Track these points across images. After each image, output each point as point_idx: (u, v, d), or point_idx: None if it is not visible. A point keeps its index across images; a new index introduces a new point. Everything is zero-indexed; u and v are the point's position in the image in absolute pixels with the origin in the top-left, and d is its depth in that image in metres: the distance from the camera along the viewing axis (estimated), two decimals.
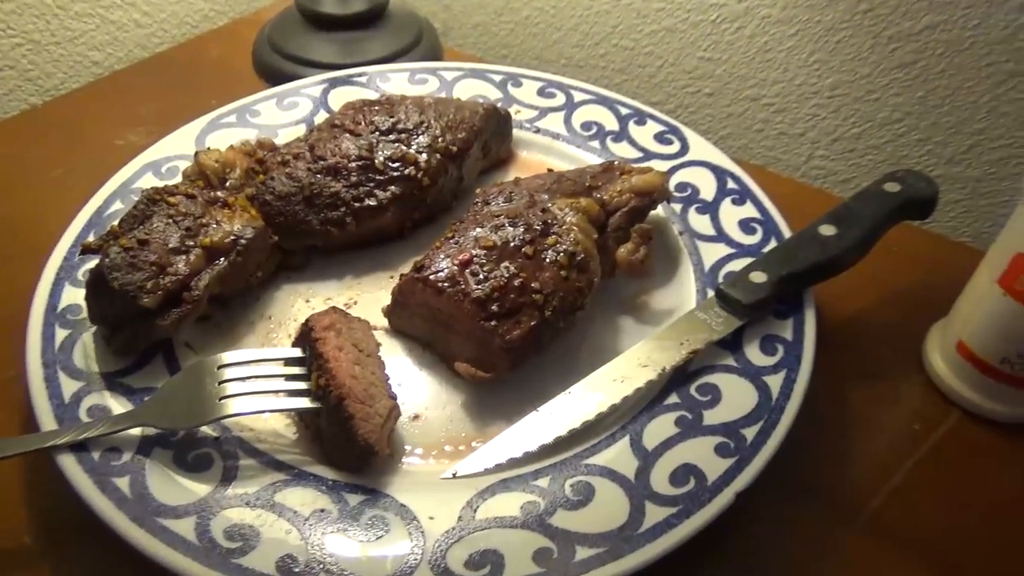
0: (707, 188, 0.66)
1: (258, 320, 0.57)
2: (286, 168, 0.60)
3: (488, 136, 0.68)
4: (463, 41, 1.08)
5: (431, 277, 0.52)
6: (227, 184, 0.59)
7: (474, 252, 0.53)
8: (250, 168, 0.60)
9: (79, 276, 0.56)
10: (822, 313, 0.58)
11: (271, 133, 0.69)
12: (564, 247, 0.54)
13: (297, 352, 0.50)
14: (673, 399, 0.51)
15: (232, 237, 0.54)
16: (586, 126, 0.73)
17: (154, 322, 0.50)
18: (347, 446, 0.46)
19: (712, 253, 0.61)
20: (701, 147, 0.70)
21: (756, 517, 0.49)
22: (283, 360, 0.50)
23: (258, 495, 0.45)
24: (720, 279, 0.59)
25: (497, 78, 0.77)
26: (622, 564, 0.42)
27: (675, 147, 0.70)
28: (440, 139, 0.64)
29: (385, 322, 0.57)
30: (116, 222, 0.54)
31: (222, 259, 0.54)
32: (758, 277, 0.55)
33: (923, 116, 0.79)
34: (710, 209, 0.65)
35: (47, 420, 0.47)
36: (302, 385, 0.49)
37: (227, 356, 0.49)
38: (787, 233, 0.61)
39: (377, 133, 0.63)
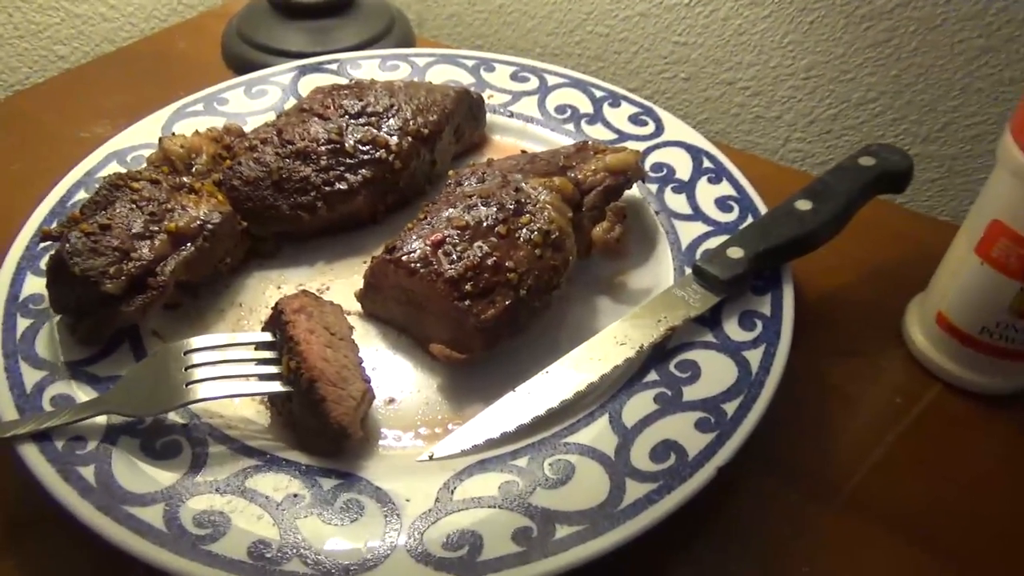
0: (683, 167, 0.66)
1: (228, 307, 0.56)
2: (254, 153, 0.59)
3: (460, 119, 0.67)
4: (438, 32, 1.07)
5: (403, 258, 0.51)
6: (193, 170, 0.58)
7: (447, 232, 0.52)
8: (217, 154, 0.59)
9: (41, 265, 0.54)
10: (801, 291, 0.57)
11: (239, 121, 0.68)
12: (538, 225, 0.53)
13: (267, 336, 0.49)
14: (652, 376, 0.50)
15: (199, 222, 0.53)
16: (560, 109, 0.72)
17: (118, 309, 0.49)
18: (320, 430, 0.45)
19: (689, 231, 0.61)
20: (676, 127, 0.69)
21: (737, 495, 0.49)
22: (253, 344, 0.49)
23: (228, 481, 0.44)
24: (698, 256, 0.58)
25: (470, 63, 0.77)
26: (603, 541, 0.41)
27: (650, 128, 0.70)
28: (411, 122, 0.63)
29: (359, 307, 0.56)
30: (77, 209, 0.53)
31: (188, 245, 0.52)
32: (735, 253, 0.55)
33: (897, 95, 0.79)
34: (686, 188, 0.64)
35: (8, 410, 0.46)
36: (273, 369, 0.47)
37: (195, 341, 0.48)
38: (764, 210, 0.61)
39: (347, 116, 0.62)
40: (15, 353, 0.49)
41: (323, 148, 0.60)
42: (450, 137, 0.66)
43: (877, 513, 0.49)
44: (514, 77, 0.75)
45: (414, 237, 0.53)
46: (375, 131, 0.61)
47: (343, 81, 0.71)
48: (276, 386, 0.47)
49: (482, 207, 0.54)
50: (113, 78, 0.83)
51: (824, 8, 0.79)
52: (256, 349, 0.49)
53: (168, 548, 0.40)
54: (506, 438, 0.47)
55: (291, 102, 0.70)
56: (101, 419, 0.45)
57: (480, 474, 0.45)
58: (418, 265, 0.51)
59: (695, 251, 0.59)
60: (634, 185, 0.62)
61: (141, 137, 0.66)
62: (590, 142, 0.63)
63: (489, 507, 0.43)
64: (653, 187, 0.65)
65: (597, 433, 0.47)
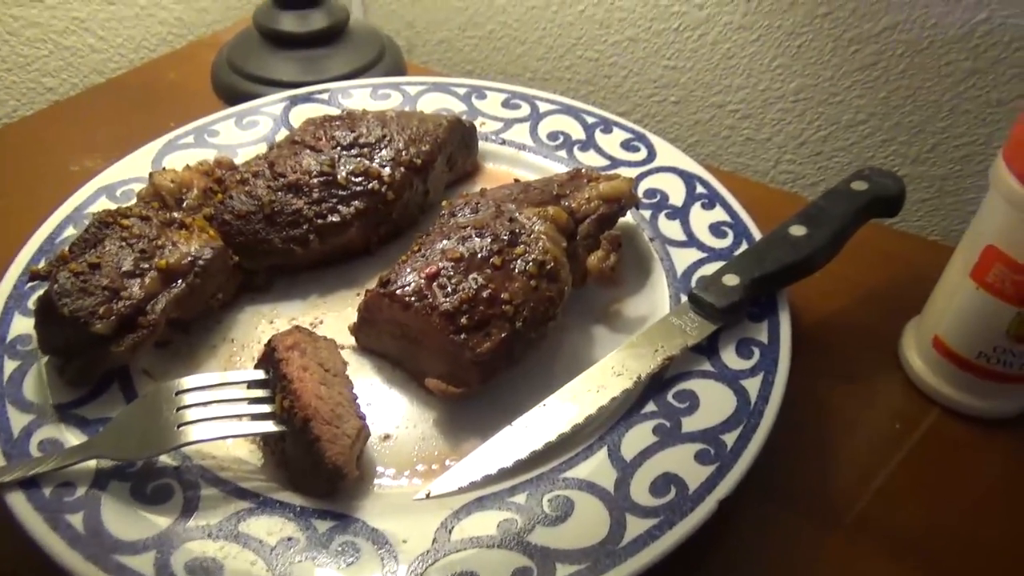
0: (676, 193, 0.66)
1: (220, 343, 0.55)
2: (245, 186, 0.59)
3: (453, 148, 0.67)
4: (428, 58, 1.07)
5: (397, 292, 0.51)
6: (184, 205, 0.57)
7: (441, 264, 0.52)
8: (208, 188, 0.59)
9: (29, 305, 0.53)
10: (796, 316, 0.57)
11: (230, 153, 0.67)
12: (533, 256, 0.53)
13: (260, 374, 0.48)
14: (650, 407, 0.50)
15: (190, 258, 0.52)
16: (552, 136, 0.72)
17: (108, 349, 0.48)
18: (314, 470, 0.44)
19: (684, 258, 0.61)
20: (669, 153, 0.69)
21: (737, 523, 0.48)
22: (245, 383, 0.48)
23: (221, 525, 0.43)
24: (693, 283, 0.58)
25: (461, 91, 0.77)
26: None
27: (642, 154, 0.70)
28: (404, 152, 0.62)
29: (352, 340, 0.56)
30: (66, 247, 0.52)
31: (179, 281, 0.52)
32: (731, 280, 0.54)
33: (886, 117, 0.80)
34: (680, 214, 0.64)
35: None
36: (266, 408, 0.47)
37: (186, 381, 0.47)
38: (758, 235, 0.61)
39: (339, 148, 0.62)
40: (2, 396, 0.48)
41: (315, 180, 0.59)
42: (443, 166, 0.66)
43: (880, 539, 0.48)
44: (506, 104, 0.75)
45: (408, 270, 0.52)
46: (367, 162, 0.61)
47: (334, 111, 0.71)
48: (269, 426, 0.46)
49: (476, 238, 0.54)
50: (103, 110, 0.83)
51: (812, 32, 0.79)
52: (249, 388, 0.48)
53: None
54: (504, 474, 0.47)
55: (282, 132, 0.70)
56: (90, 463, 0.45)
57: (478, 512, 0.44)
58: (413, 298, 0.50)
59: (690, 278, 0.59)
60: (627, 212, 0.62)
61: (131, 171, 0.65)
62: (583, 169, 0.63)
63: (488, 547, 0.42)
64: (647, 213, 0.64)
65: (596, 467, 0.46)
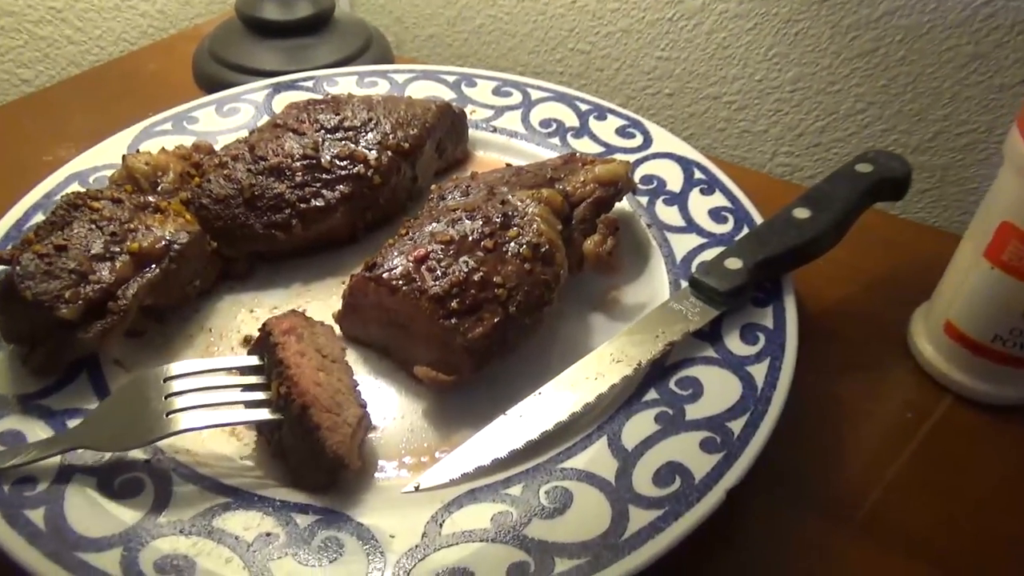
0: (674, 179, 0.63)
1: (197, 333, 0.53)
2: (224, 170, 0.56)
3: (442, 134, 0.65)
4: (416, 53, 1.05)
5: (384, 275, 0.48)
6: (159, 188, 0.54)
7: (430, 247, 0.49)
8: (185, 171, 0.56)
9: None
10: (800, 304, 0.54)
11: (210, 140, 0.64)
12: (527, 239, 0.50)
13: (254, 360, 0.46)
14: (652, 395, 0.47)
15: (164, 242, 0.50)
16: (545, 123, 0.70)
17: (75, 336, 0.45)
18: (314, 460, 0.41)
19: (683, 244, 0.58)
20: (665, 139, 0.67)
21: (745, 517, 0.46)
22: (238, 369, 0.46)
23: (194, 521, 0.40)
24: (693, 269, 0.56)
25: (451, 79, 0.74)
26: (606, 575, 0.37)
27: (638, 140, 0.67)
28: (391, 136, 0.60)
29: (337, 328, 0.53)
30: (32, 231, 0.49)
31: (153, 266, 0.49)
32: (733, 264, 0.52)
33: (886, 105, 0.78)
34: (678, 200, 0.62)
35: None
36: (261, 395, 0.44)
37: (175, 367, 0.44)
38: (759, 220, 0.59)
39: (323, 131, 0.59)
40: None
41: (298, 164, 0.57)
42: (432, 152, 0.64)
43: (892, 534, 0.46)
44: (496, 92, 0.73)
45: (395, 253, 0.50)
46: (353, 146, 0.59)
47: (319, 97, 0.69)
48: (265, 413, 0.43)
49: (467, 221, 0.51)
50: (79, 101, 0.80)
51: (809, 19, 0.78)
52: (242, 374, 0.45)
53: None
54: (498, 465, 0.44)
55: (264, 120, 0.67)
56: (54, 458, 0.41)
57: (471, 505, 0.42)
58: (400, 282, 0.48)
59: (690, 264, 0.57)
60: (624, 198, 0.60)
61: (105, 157, 0.62)
62: (578, 154, 0.61)
63: (481, 541, 0.40)
64: (644, 200, 0.62)
65: (595, 457, 0.44)
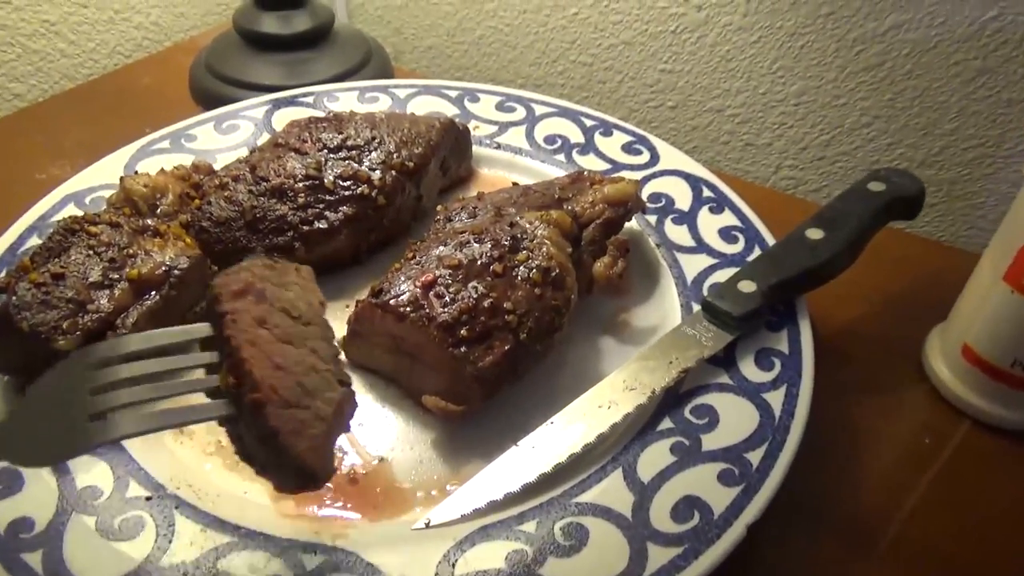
0: (682, 197, 0.62)
1: None
2: (225, 191, 0.55)
3: (446, 152, 0.64)
4: (416, 65, 1.04)
5: (391, 302, 0.47)
6: (158, 211, 0.53)
7: (438, 272, 0.48)
8: (184, 193, 0.55)
9: None
10: (812, 324, 0.53)
11: (209, 159, 0.63)
12: (537, 263, 0.49)
13: (206, 329, 0.36)
14: (666, 424, 0.46)
15: (164, 268, 0.48)
16: (550, 139, 0.69)
17: None
18: (280, 468, 0.34)
19: (694, 264, 0.57)
20: (672, 156, 0.66)
21: (764, 546, 0.44)
22: (188, 341, 0.36)
23: (198, 563, 0.39)
24: (705, 291, 0.55)
25: (453, 94, 0.73)
26: None
27: (645, 157, 0.66)
28: (395, 155, 0.59)
29: (342, 355, 0.51)
30: (28, 257, 0.48)
31: (153, 293, 0.48)
32: (747, 287, 0.51)
33: (892, 119, 0.77)
34: (687, 219, 0.61)
35: None
36: (216, 380, 0.35)
37: (102, 348, 0.35)
38: (770, 240, 0.58)
39: (325, 151, 0.58)
40: None
41: (300, 184, 0.55)
42: (436, 171, 0.62)
43: (915, 562, 0.45)
44: (500, 107, 0.72)
45: (402, 278, 0.48)
46: (356, 165, 0.57)
47: (320, 114, 0.67)
48: (218, 408, 0.34)
49: (475, 244, 0.50)
50: (73, 116, 0.79)
51: (814, 32, 0.77)
52: (201, 349, 0.37)
53: None
54: (510, 499, 0.43)
55: (264, 137, 0.66)
56: (51, 495, 0.40)
57: (484, 543, 0.40)
58: (408, 309, 0.46)
59: (702, 285, 0.56)
60: (633, 216, 0.59)
61: (101, 177, 0.61)
62: (585, 172, 0.59)
63: None
64: (652, 218, 0.61)
65: (611, 490, 0.43)
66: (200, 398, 0.36)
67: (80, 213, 0.56)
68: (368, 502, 0.43)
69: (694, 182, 0.63)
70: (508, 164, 0.68)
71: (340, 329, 0.52)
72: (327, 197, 0.55)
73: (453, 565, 0.39)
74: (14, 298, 0.43)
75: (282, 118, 0.69)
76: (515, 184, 0.61)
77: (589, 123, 0.70)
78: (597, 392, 0.47)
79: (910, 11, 0.71)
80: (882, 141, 0.79)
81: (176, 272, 0.48)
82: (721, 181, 0.63)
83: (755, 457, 0.43)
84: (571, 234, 0.54)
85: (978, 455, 0.50)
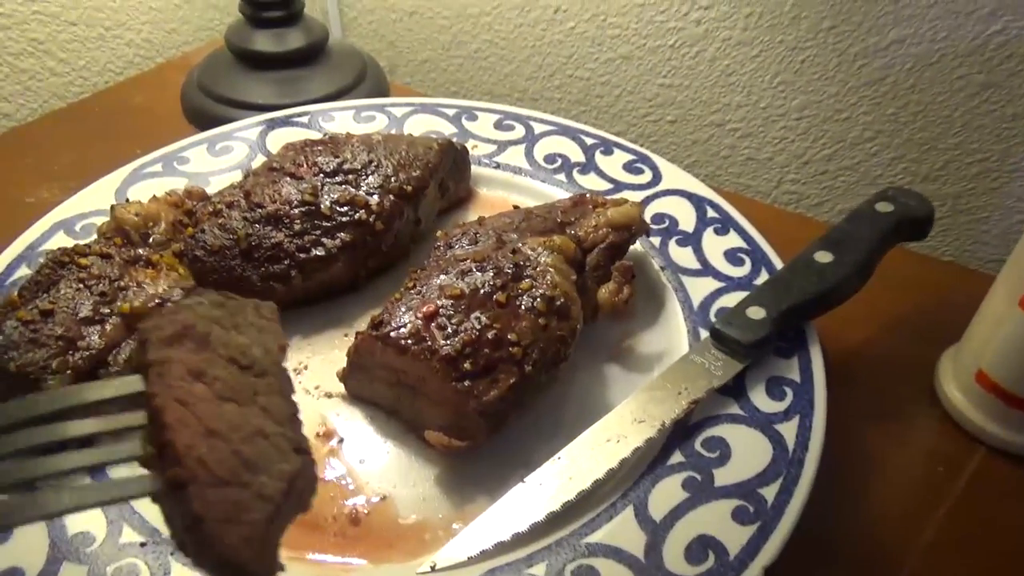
0: (686, 218, 0.61)
1: None
2: (219, 219, 0.53)
3: (444, 173, 0.62)
4: (411, 79, 1.02)
5: (392, 334, 0.46)
6: (150, 240, 0.51)
7: (439, 303, 0.47)
8: (177, 221, 0.53)
9: None
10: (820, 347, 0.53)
11: (202, 182, 0.62)
12: (541, 291, 0.48)
13: (136, 383, 0.30)
14: (677, 458, 0.45)
15: (157, 301, 0.47)
16: (550, 159, 0.68)
17: None
18: (208, 563, 0.27)
19: (700, 288, 0.56)
20: (675, 175, 0.65)
21: None
22: (111, 400, 0.30)
23: None
24: (712, 317, 0.54)
25: (450, 112, 0.72)
26: None
27: (647, 176, 0.65)
28: (392, 178, 0.57)
29: (341, 388, 0.50)
30: (15, 292, 0.46)
31: None
32: (756, 313, 0.50)
33: (895, 133, 0.76)
34: (692, 241, 0.59)
35: None
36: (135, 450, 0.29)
37: (11, 409, 0.29)
38: (777, 262, 0.57)
39: (321, 175, 0.56)
40: None
41: (296, 211, 0.54)
42: (435, 193, 0.61)
43: None
44: (498, 126, 0.71)
45: (403, 309, 0.47)
46: (353, 190, 0.56)
47: (315, 135, 0.66)
48: (144, 484, 0.28)
49: (477, 272, 0.49)
50: (62, 136, 0.77)
51: (816, 47, 0.76)
52: (132, 407, 0.30)
53: None
54: (518, 540, 0.41)
55: (259, 159, 0.65)
56: (42, 543, 0.38)
57: None
58: (409, 341, 0.45)
59: (708, 310, 0.54)
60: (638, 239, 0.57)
61: (92, 203, 0.59)
62: (588, 195, 0.58)
63: None
64: (656, 240, 0.60)
65: (622, 529, 0.41)
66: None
67: (70, 241, 0.55)
68: (370, 544, 0.42)
69: (698, 202, 0.62)
70: (508, 184, 0.67)
71: (339, 357, 0.50)
72: (324, 223, 0.54)
73: None
74: (0, 337, 0.42)
75: (277, 139, 0.67)
76: (516, 207, 0.60)
77: (589, 141, 0.69)
78: (604, 425, 0.46)
79: (912, 25, 0.71)
80: (885, 156, 0.78)
81: (169, 304, 0.47)
82: (725, 200, 0.62)
83: (769, 493, 0.42)
84: (575, 260, 0.53)
85: (994, 483, 0.49)
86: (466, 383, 0.44)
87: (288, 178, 0.56)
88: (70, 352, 0.43)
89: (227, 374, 0.30)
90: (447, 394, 0.44)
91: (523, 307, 0.47)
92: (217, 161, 0.65)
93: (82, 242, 0.53)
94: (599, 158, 0.67)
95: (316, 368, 0.52)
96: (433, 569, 0.40)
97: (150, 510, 0.42)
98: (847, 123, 0.78)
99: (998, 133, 0.72)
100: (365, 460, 0.46)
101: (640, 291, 0.57)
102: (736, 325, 0.49)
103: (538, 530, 0.42)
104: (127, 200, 0.55)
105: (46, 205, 0.60)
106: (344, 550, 0.41)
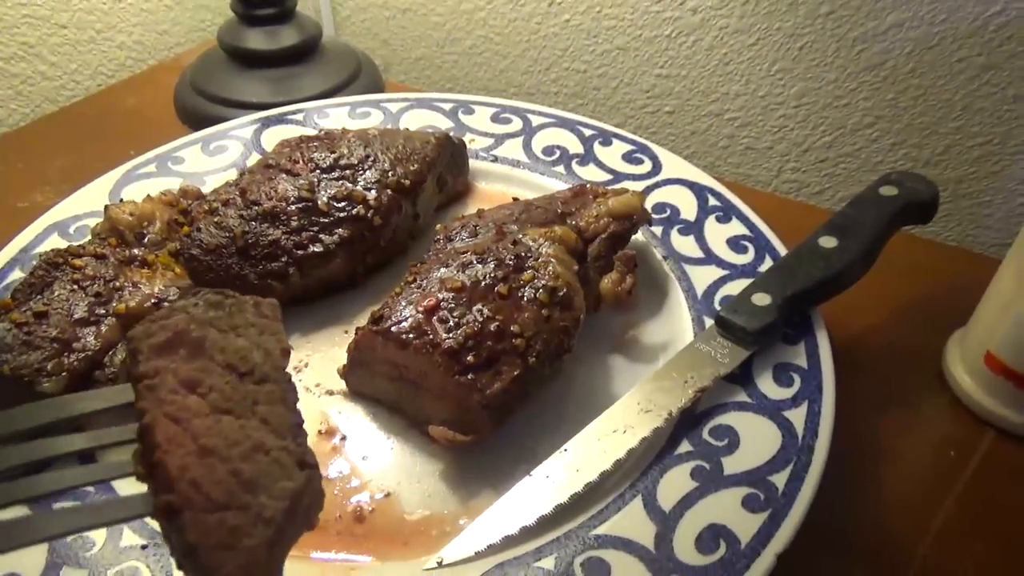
0: (687, 207, 0.61)
1: None
2: (214, 217, 0.53)
3: (442, 168, 0.62)
4: (405, 77, 1.02)
5: (393, 329, 0.45)
6: (145, 240, 0.51)
7: (440, 296, 0.46)
8: (172, 220, 0.52)
9: None
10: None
11: (197, 182, 0.61)
12: (543, 282, 0.47)
13: (126, 393, 0.29)
14: (685, 447, 0.44)
15: (153, 300, 0.46)
16: (548, 151, 0.67)
17: None
18: None
19: (703, 277, 0.55)
20: (675, 164, 0.65)
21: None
22: (104, 411, 0.29)
23: None
24: (717, 305, 0.53)
25: (447, 106, 0.71)
26: None
27: (647, 166, 0.65)
28: (390, 173, 0.57)
29: (342, 384, 0.49)
30: (9, 294, 0.45)
31: None
32: (761, 299, 0.49)
33: (895, 119, 0.76)
34: (694, 229, 0.59)
35: None
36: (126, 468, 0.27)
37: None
38: (781, 249, 0.56)
39: (318, 171, 0.56)
40: None
41: (293, 207, 0.53)
42: (433, 187, 0.61)
43: None
44: (495, 119, 0.70)
45: (403, 303, 0.46)
46: (350, 185, 0.55)
47: (310, 132, 0.65)
48: (138, 503, 0.26)
49: (478, 265, 0.48)
50: (55, 140, 0.76)
51: (814, 33, 0.75)
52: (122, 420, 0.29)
53: None
54: (526, 533, 0.41)
55: (254, 158, 0.64)
56: (40, 548, 0.38)
57: None
58: (410, 336, 0.44)
59: (712, 298, 0.54)
60: (639, 229, 0.57)
61: (86, 205, 0.59)
62: (588, 185, 0.58)
63: None
64: (658, 230, 0.59)
65: (631, 520, 0.40)
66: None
67: (64, 243, 0.54)
68: (376, 541, 0.41)
69: (699, 190, 0.62)
70: (506, 177, 0.66)
71: (339, 354, 0.50)
72: (321, 219, 0.53)
73: None
74: None
75: (272, 137, 0.67)
76: (515, 199, 0.59)
77: (588, 133, 0.68)
78: (610, 416, 0.45)
79: (911, 9, 0.70)
80: (885, 141, 0.78)
81: (166, 304, 0.46)
82: (726, 188, 0.61)
83: (780, 480, 0.41)
84: (576, 250, 0.52)
85: (1005, 466, 0.49)
86: (469, 376, 0.43)
87: (284, 175, 0.55)
88: (65, 354, 0.42)
89: (224, 383, 0.29)
90: (450, 388, 0.44)
91: (525, 298, 0.47)
92: (212, 160, 0.64)
93: (74, 244, 0.53)
94: (598, 149, 0.67)
95: (316, 366, 0.51)
96: (440, 565, 0.39)
97: None
98: (847, 109, 0.78)
99: (999, 116, 0.71)
100: (368, 457, 0.46)
101: (642, 281, 0.56)
102: (741, 312, 0.49)
103: (546, 523, 0.41)
104: (121, 200, 0.54)
105: (39, 208, 0.59)
106: (349, 548, 0.40)
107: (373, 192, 0.55)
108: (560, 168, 0.65)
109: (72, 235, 0.56)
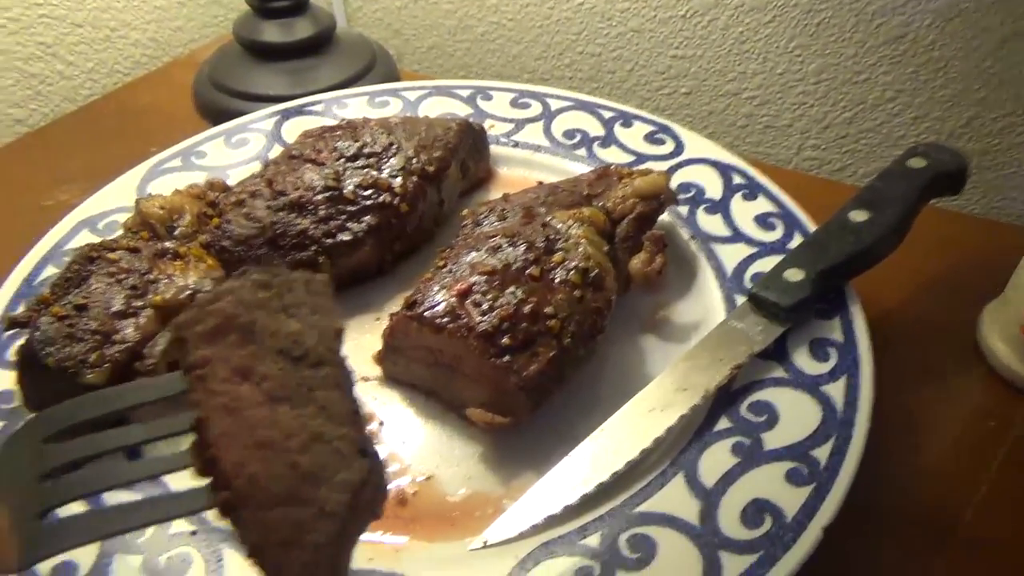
0: (712, 186, 0.60)
1: None
2: (243, 208, 0.53)
3: (464, 154, 0.62)
4: (419, 66, 1.02)
5: (427, 314, 0.45)
6: (176, 233, 0.51)
7: (472, 280, 0.46)
8: (201, 212, 0.53)
9: (9, 357, 0.47)
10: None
11: (221, 175, 0.61)
12: (575, 263, 0.47)
13: (177, 382, 0.28)
14: (724, 424, 0.44)
15: (188, 291, 0.46)
16: (569, 134, 0.67)
17: None
18: None
19: (732, 255, 0.55)
20: (697, 143, 0.64)
21: (831, 548, 0.42)
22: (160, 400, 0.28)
23: None
24: (747, 283, 0.53)
25: (465, 93, 0.71)
26: None
27: (669, 146, 0.64)
28: (414, 160, 0.57)
29: (378, 371, 0.50)
30: (47, 289, 0.46)
31: None
32: (794, 275, 0.49)
33: (917, 92, 0.75)
34: (720, 208, 0.59)
35: None
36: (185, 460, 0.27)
37: (60, 412, 0.28)
38: (809, 225, 0.56)
39: (342, 160, 0.56)
40: None
41: (320, 196, 0.53)
42: (456, 173, 0.60)
43: (994, 554, 0.43)
44: (514, 104, 0.70)
45: (436, 288, 0.46)
46: (375, 173, 0.55)
47: (330, 122, 0.65)
48: (200, 497, 0.26)
49: (508, 248, 0.48)
50: (76, 139, 0.77)
51: (831, 8, 0.75)
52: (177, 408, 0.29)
53: None
54: (569, 512, 0.41)
55: (276, 149, 0.64)
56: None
57: (547, 560, 0.38)
58: (445, 320, 0.45)
59: (742, 276, 0.54)
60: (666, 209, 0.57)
61: (114, 200, 0.59)
62: (612, 167, 0.57)
63: None
64: (683, 210, 0.59)
65: (674, 497, 0.41)
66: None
67: (95, 239, 0.54)
68: (420, 523, 0.41)
69: (723, 169, 0.61)
70: (527, 162, 0.66)
71: (372, 341, 0.50)
72: (348, 208, 0.53)
73: None
74: (37, 333, 0.41)
75: (292, 128, 0.67)
76: (540, 183, 0.59)
77: (608, 115, 0.68)
78: (647, 395, 0.45)
79: None
80: (907, 116, 0.77)
81: (205, 292, 0.46)
82: (751, 166, 0.61)
83: (822, 454, 0.41)
84: (605, 231, 0.52)
85: None
86: (505, 358, 0.43)
87: (309, 164, 0.56)
88: (105, 345, 0.42)
89: (277, 369, 0.27)
90: (486, 371, 0.44)
91: (557, 280, 0.47)
92: (235, 153, 0.65)
93: (107, 238, 0.53)
94: (619, 131, 0.67)
95: (350, 353, 0.49)
96: (485, 545, 0.40)
97: None
98: (867, 84, 0.77)
99: (1023, 85, 0.70)
100: (407, 441, 0.46)
101: (671, 261, 0.56)
102: (774, 288, 0.49)
103: (589, 502, 0.41)
104: (149, 195, 0.54)
105: (64, 207, 0.60)
106: (395, 530, 0.41)
107: (399, 179, 0.55)
108: (582, 151, 0.65)
109: (101, 231, 0.57)
